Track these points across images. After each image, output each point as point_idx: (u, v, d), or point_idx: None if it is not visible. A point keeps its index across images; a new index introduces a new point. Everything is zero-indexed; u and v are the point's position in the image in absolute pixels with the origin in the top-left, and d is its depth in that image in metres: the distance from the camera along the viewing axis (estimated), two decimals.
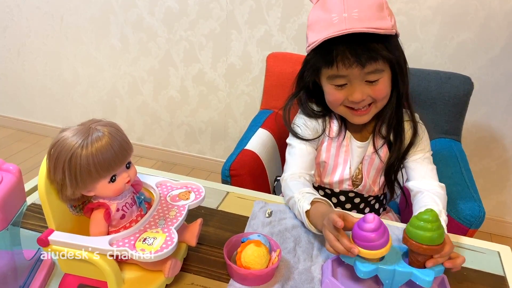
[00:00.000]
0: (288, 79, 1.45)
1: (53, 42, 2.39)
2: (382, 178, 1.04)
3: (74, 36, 2.32)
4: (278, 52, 1.58)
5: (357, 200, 1.07)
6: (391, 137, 0.99)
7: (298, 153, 1.00)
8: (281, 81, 1.48)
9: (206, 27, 2.03)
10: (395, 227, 0.89)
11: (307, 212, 0.83)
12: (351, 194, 1.06)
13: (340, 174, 1.03)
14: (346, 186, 1.04)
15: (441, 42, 1.71)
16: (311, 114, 1.02)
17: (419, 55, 1.74)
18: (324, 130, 1.02)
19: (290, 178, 0.96)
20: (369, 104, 0.92)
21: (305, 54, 0.97)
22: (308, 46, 0.90)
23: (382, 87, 0.89)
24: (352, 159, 1.02)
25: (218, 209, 0.92)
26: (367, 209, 1.09)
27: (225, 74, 2.13)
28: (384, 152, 1.01)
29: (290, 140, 1.04)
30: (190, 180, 0.81)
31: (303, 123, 1.02)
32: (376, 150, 1.00)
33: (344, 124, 1.01)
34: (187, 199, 0.72)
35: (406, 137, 0.98)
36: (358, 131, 1.02)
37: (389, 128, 0.98)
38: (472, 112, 1.71)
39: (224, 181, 1.19)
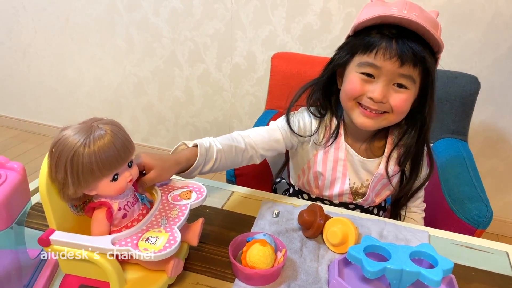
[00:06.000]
0: (293, 79, 1.44)
1: (58, 42, 2.40)
2: (387, 192, 1.03)
3: (79, 37, 2.33)
4: (283, 52, 1.57)
5: (357, 211, 1.03)
6: (408, 167, 0.97)
7: (267, 131, 0.97)
8: (286, 81, 1.47)
9: (210, 27, 2.02)
10: (402, 227, 0.88)
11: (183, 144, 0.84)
12: (351, 206, 1.04)
13: (339, 187, 1.00)
14: (346, 198, 1.02)
15: (447, 41, 1.69)
16: (313, 112, 0.99)
17: None
18: (313, 134, 0.98)
19: (237, 133, 0.94)
20: (383, 112, 0.88)
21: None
22: (357, 24, 0.85)
23: (405, 99, 0.85)
24: (351, 173, 0.99)
25: (223, 208, 0.92)
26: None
27: (230, 74, 2.12)
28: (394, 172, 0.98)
29: (273, 123, 1.00)
30: (192, 179, 0.80)
31: (301, 118, 1.00)
32: (388, 177, 0.97)
33: (337, 133, 0.98)
34: (188, 198, 0.71)
35: (421, 174, 0.98)
36: (358, 141, 0.99)
37: (406, 158, 0.95)
38: (478, 111, 1.69)
39: (229, 181, 1.18)
